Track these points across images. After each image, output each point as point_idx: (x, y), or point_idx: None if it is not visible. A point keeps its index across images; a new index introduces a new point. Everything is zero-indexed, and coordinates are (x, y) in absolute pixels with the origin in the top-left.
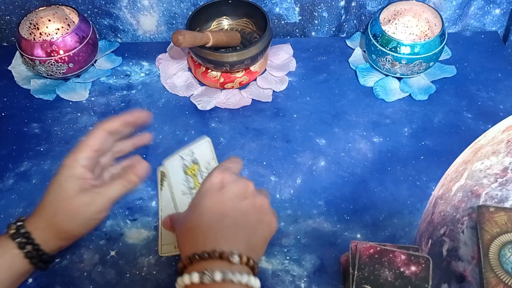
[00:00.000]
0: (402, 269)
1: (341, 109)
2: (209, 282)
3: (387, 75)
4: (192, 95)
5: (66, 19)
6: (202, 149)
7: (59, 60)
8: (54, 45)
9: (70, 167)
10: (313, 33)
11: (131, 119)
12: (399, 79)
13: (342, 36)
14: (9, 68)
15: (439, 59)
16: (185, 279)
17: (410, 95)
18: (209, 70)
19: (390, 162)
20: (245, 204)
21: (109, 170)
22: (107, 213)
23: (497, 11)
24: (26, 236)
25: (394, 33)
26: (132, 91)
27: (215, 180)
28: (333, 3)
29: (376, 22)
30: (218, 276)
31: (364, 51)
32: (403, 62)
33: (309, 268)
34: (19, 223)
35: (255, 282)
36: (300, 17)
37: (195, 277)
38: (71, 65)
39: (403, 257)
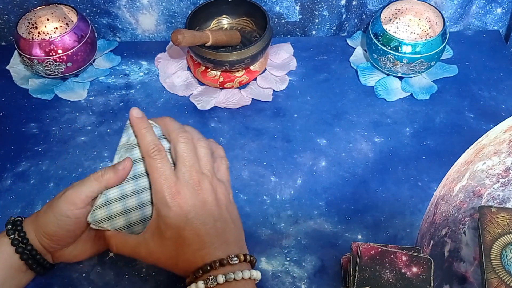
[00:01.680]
0: (403, 270)
1: (342, 109)
2: (213, 286)
3: (388, 75)
4: (191, 94)
5: (64, 18)
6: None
7: (58, 60)
8: (52, 44)
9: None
10: (313, 32)
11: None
12: (401, 78)
13: (343, 35)
14: (7, 67)
15: (441, 59)
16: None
17: (411, 94)
18: (209, 70)
19: (392, 162)
20: (218, 207)
21: None
22: (79, 211)
23: (499, 10)
24: (17, 225)
25: (395, 32)
26: (131, 91)
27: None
28: (333, 2)
29: (377, 21)
30: (221, 279)
31: (365, 50)
32: (405, 62)
33: (309, 269)
34: (18, 217)
35: (257, 274)
36: (301, 16)
37: (201, 285)
38: (69, 64)
39: (404, 258)
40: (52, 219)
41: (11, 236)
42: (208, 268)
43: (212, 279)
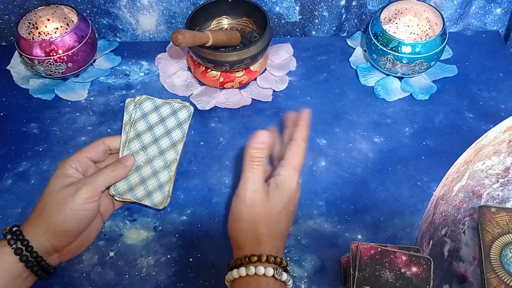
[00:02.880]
0: (403, 270)
1: (342, 109)
2: (278, 277)
3: (388, 75)
4: (191, 94)
5: (65, 18)
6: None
7: (58, 60)
8: (53, 45)
9: (61, 168)
10: (313, 33)
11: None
12: (400, 78)
13: (342, 35)
14: (7, 67)
15: (440, 59)
16: (251, 269)
17: (411, 94)
18: (209, 70)
19: (391, 162)
20: (292, 210)
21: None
22: (96, 203)
23: (498, 10)
24: (16, 234)
25: (395, 33)
26: (131, 91)
27: (292, 195)
28: (333, 2)
29: (377, 21)
30: (285, 276)
31: (365, 51)
32: (404, 62)
33: (309, 269)
34: (15, 225)
35: (290, 281)
36: (301, 16)
37: (270, 271)
38: (70, 64)
39: (404, 258)
40: (70, 215)
41: (14, 246)
42: (271, 259)
43: (279, 270)
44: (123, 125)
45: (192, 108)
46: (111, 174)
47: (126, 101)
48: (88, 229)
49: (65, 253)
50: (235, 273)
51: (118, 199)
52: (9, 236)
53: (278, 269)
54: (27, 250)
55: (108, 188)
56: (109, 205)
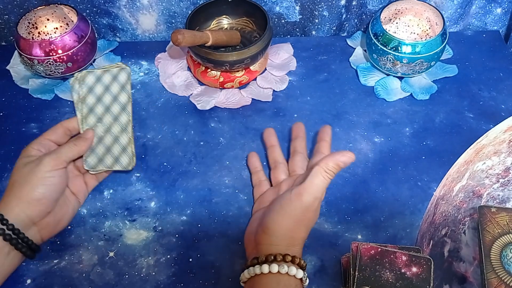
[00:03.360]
0: (403, 270)
1: (342, 109)
2: (305, 281)
3: (388, 75)
4: (191, 94)
5: (64, 18)
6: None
7: (58, 60)
8: (52, 45)
9: (24, 151)
10: (313, 32)
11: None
12: (400, 78)
13: (342, 35)
14: (7, 67)
15: (441, 59)
16: (264, 268)
17: (411, 94)
18: (209, 70)
19: (391, 162)
20: (317, 215)
21: None
22: (61, 172)
23: (499, 10)
24: None
25: (395, 32)
26: (131, 91)
27: (316, 201)
28: (333, 2)
29: (377, 21)
30: (300, 274)
31: (365, 50)
32: (404, 62)
33: (309, 269)
34: None
35: (307, 279)
36: (301, 16)
37: (293, 271)
38: (69, 64)
39: (404, 258)
40: (37, 183)
41: None
42: (287, 257)
43: (286, 267)
44: (75, 104)
45: (128, 68)
46: (74, 147)
47: (70, 82)
48: (63, 206)
49: (43, 227)
50: (265, 268)
51: (92, 172)
52: None
53: (305, 274)
54: (3, 223)
55: (79, 169)
56: (81, 185)
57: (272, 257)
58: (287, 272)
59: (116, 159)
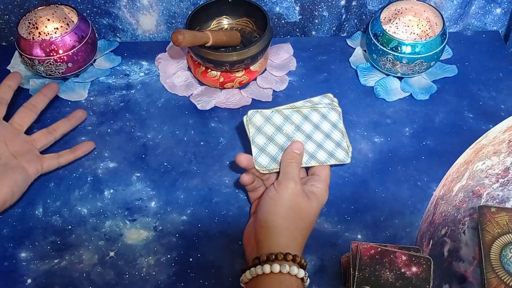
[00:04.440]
0: (403, 270)
1: (342, 109)
2: (306, 282)
3: (388, 75)
4: (191, 94)
5: (65, 18)
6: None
7: (58, 60)
8: (53, 45)
9: None
10: (313, 33)
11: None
12: (400, 78)
13: (342, 35)
14: (7, 67)
15: (440, 59)
16: (266, 268)
17: (411, 94)
18: (209, 70)
19: (391, 162)
20: (314, 222)
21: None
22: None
23: (498, 10)
24: None
25: (395, 33)
26: (132, 91)
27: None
28: (333, 2)
29: (377, 21)
30: (301, 273)
31: (365, 51)
32: (404, 62)
33: (309, 269)
34: None
35: (307, 279)
36: (301, 16)
37: (294, 270)
38: (70, 64)
39: (404, 257)
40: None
41: None
42: (287, 256)
43: (286, 267)
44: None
45: (339, 108)
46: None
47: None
48: (5, 176)
49: None
50: (266, 268)
51: (265, 172)
52: None
53: (306, 274)
54: None
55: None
56: (34, 159)
57: (274, 256)
58: (288, 272)
59: (331, 154)
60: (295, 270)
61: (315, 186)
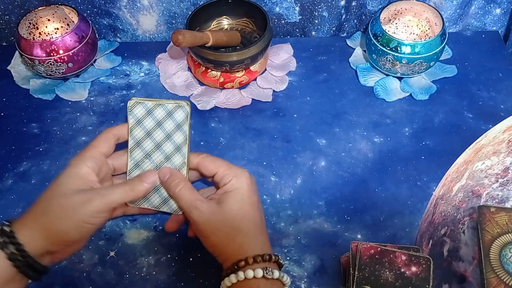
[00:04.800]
0: (402, 270)
1: (342, 109)
2: (269, 276)
3: (387, 75)
4: (191, 95)
5: (65, 18)
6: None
7: (59, 60)
8: (53, 45)
9: (75, 166)
10: (313, 33)
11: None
12: (400, 78)
13: (342, 35)
14: (8, 68)
15: (440, 59)
16: (249, 273)
17: (410, 95)
18: (209, 70)
19: (391, 162)
20: (255, 199)
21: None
22: (105, 219)
23: (498, 10)
24: (8, 235)
25: (394, 33)
26: (132, 91)
27: (250, 189)
28: (333, 2)
29: (377, 21)
30: (276, 274)
31: (365, 51)
32: (404, 62)
33: (309, 269)
34: (5, 223)
35: (287, 278)
36: (300, 17)
37: (259, 273)
38: (70, 64)
39: (403, 257)
40: (74, 226)
41: (7, 251)
42: (267, 257)
43: (269, 270)
44: (128, 130)
45: (188, 107)
46: (130, 193)
47: (129, 104)
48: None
49: (59, 256)
50: (227, 282)
51: (133, 206)
52: (1, 240)
53: (268, 268)
54: (22, 255)
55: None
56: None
57: (229, 270)
58: (245, 278)
59: (165, 200)
60: (276, 273)
61: (223, 182)
